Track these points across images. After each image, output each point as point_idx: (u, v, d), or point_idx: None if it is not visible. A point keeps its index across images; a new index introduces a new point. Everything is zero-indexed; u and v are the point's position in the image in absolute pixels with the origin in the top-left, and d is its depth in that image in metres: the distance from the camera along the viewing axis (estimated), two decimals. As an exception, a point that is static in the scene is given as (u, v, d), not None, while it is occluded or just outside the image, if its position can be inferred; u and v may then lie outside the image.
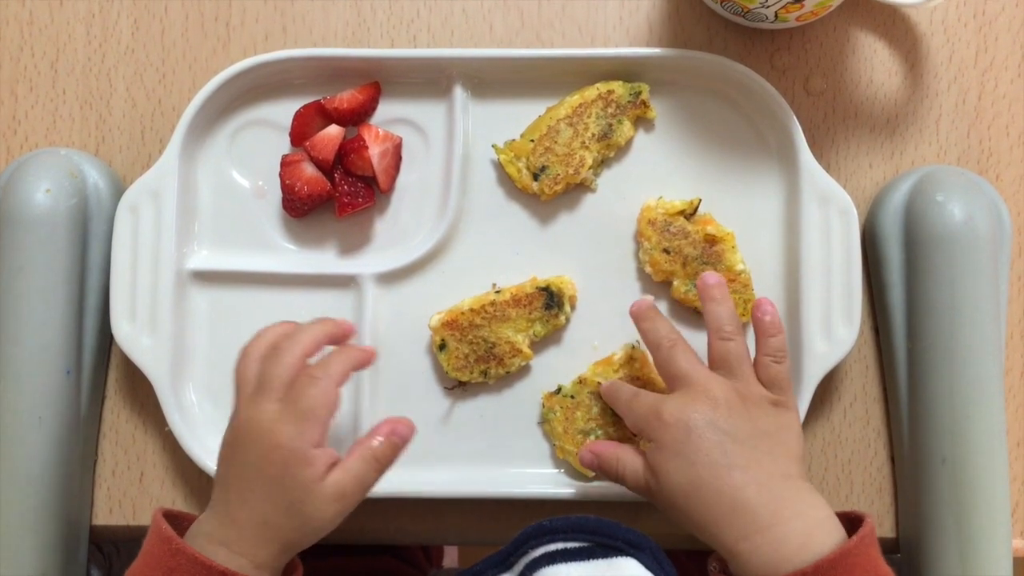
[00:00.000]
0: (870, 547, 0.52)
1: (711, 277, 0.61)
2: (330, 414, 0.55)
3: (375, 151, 0.66)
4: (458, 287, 0.67)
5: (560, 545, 0.53)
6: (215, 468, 0.59)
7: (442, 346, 0.66)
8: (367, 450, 0.56)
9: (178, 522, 0.57)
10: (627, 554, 0.52)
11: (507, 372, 0.66)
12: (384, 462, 0.56)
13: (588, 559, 0.52)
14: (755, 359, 0.60)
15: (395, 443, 0.56)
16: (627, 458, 0.59)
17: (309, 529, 0.55)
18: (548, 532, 0.55)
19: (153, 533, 0.55)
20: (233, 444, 0.56)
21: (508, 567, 0.58)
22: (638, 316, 0.62)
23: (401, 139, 0.68)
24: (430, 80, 0.69)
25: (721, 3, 0.67)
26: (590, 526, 0.54)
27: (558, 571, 0.51)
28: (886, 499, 0.67)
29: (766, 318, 0.60)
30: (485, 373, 0.66)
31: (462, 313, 0.65)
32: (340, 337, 0.60)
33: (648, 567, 0.51)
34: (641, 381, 0.65)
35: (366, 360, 0.59)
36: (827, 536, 0.52)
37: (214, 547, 0.54)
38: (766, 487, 0.53)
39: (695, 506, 0.54)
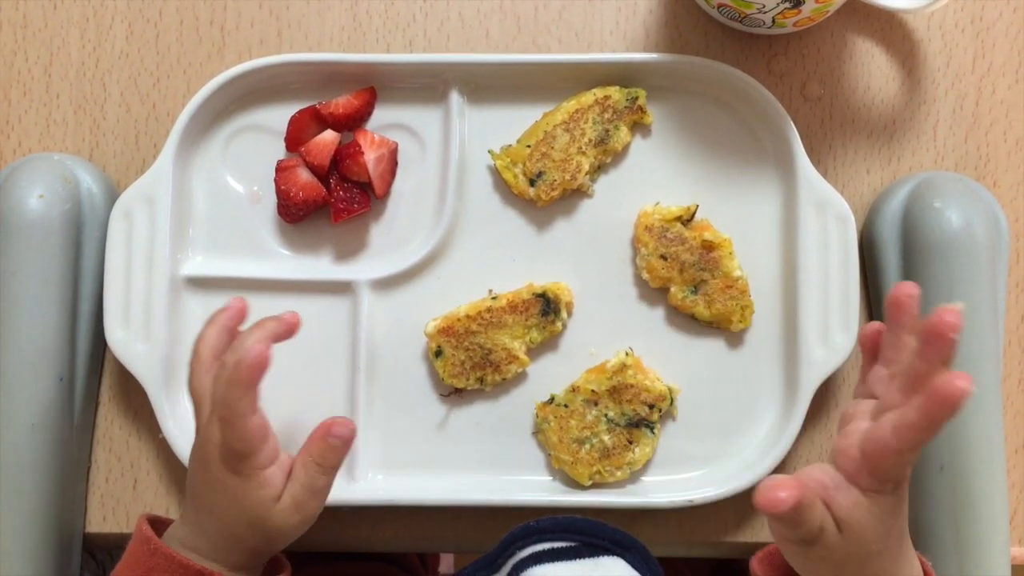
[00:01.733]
0: None
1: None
2: (263, 437, 0.54)
3: (371, 156, 0.66)
4: (454, 293, 0.67)
5: (547, 545, 0.53)
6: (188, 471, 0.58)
7: (438, 353, 0.65)
8: (307, 457, 0.55)
9: (163, 527, 0.57)
10: (614, 554, 0.51)
11: (503, 379, 0.66)
12: (328, 465, 0.56)
13: (575, 559, 0.52)
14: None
15: (334, 445, 0.55)
16: (819, 505, 0.49)
17: (275, 539, 0.56)
18: (535, 532, 0.55)
19: (135, 535, 0.56)
20: (197, 460, 0.56)
21: (496, 568, 0.58)
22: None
23: (397, 144, 0.68)
24: (426, 85, 0.68)
25: (718, 8, 0.67)
26: (577, 526, 0.54)
27: (545, 571, 0.51)
28: (884, 506, 0.67)
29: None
30: (481, 380, 0.65)
31: (458, 319, 0.65)
32: (285, 335, 0.58)
33: (635, 566, 0.51)
34: (636, 388, 0.65)
35: (281, 335, 0.57)
36: None
37: (187, 553, 0.55)
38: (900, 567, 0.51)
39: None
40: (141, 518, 0.56)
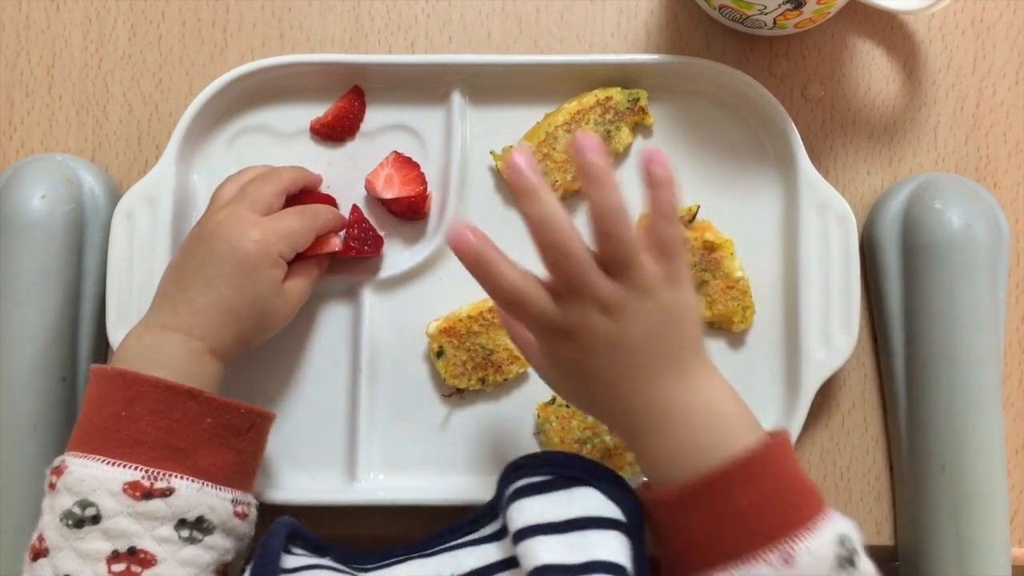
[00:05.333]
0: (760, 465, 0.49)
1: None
2: (303, 246, 0.61)
3: (383, 189, 0.66)
4: (456, 294, 0.67)
5: (527, 480, 0.53)
6: (162, 276, 0.61)
7: (440, 353, 0.65)
8: (310, 263, 0.63)
9: None
10: (588, 484, 0.52)
11: (505, 379, 0.66)
12: (322, 268, 0.65)
13: (551, 491, 0.52)
14: (650, 221, 0.52)
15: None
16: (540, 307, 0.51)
17: (265, 325, 0.60)
18: (516, 469, 0.55)
19: (97, 378, 0.55)
20: (199, 240, 0.59)
21: (494, 517, 0.58)
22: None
23: (392, 152, 0.68)
24: (428, 86, 0.68)
25: (719, 9, 0.67)
26: (553, 460, 0.54)
27: (523, 505, 0.51)
28: (885, 507, 0.67)
29: (658, 169, 0.51)
30: (483, 380, 0.66)
31: (460, 320, 0.65)
32: (313, 184, 0.67)
33: (609, 496, 0.51)
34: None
35: (339, 227, 0.65)
36: (714, 416, 0.51)
37: (170, 335, 0.56)
38: (658, 387, 0.51)
39: (587, 410, 0.58)
40: (93, 367, 0.56)
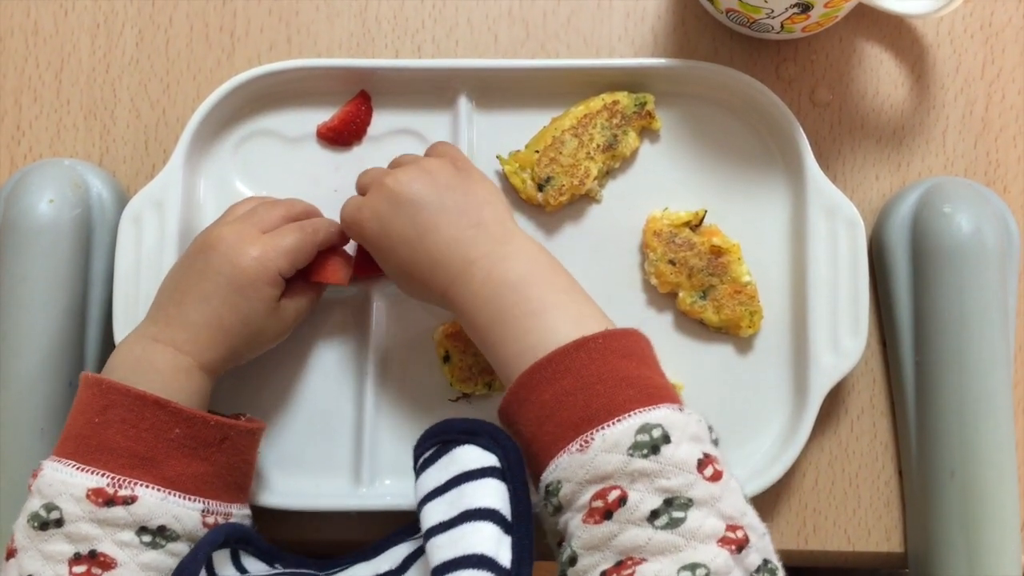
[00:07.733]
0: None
1: None
2: (304, 263, 0.61)
3: None
4: (462, 298, 0.67)
5: (420, 459, 0.54)
6: (161, 282, 0.61)
7: (446, 358, 0.65)
8: (308, 285, 0.63)
9: None
10: (463, 443, 0.52)
11: (511, 384, 0.66)
12: (321, 290, 0.64)
13: (435, 462, 0.53)
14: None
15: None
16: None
17: (257, 342, 0.60)
18: (415, 451, 0.56)
19: (81, 385, 0.56)
20: (199, 252, 0.59)
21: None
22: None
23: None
24: (435, 91, 0.68)
25: (726, 14, 0.67)
26: (432, 431, 0.55)
27: (418, 483, 0.53)
28: (894, 513, 0.67)
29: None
30: (489, 385, 0.65)
31: (466, 324, 0.65)
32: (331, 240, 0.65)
33: (484, 447, 0.52)
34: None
35: (342, 243, 0.64)
36: (515, 266, 0.56)
37: (159, 347, 0.57)
38: (457, 240, 0.57)
39: (410, 281, 0.60)
40: (83, 375, 0.57)
